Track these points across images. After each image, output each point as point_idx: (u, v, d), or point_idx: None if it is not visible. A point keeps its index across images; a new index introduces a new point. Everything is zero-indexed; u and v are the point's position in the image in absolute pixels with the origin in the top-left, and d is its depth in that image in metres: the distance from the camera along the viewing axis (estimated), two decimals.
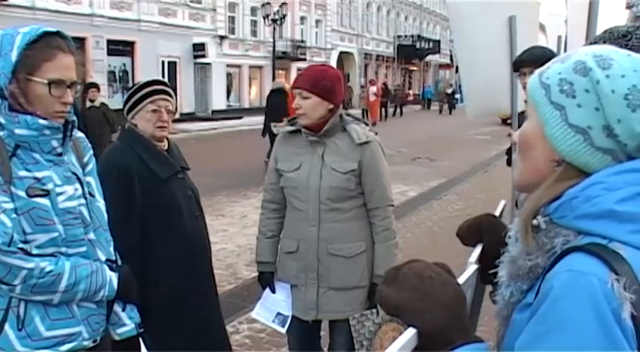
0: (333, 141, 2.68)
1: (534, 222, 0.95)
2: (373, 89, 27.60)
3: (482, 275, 1.25)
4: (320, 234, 2.67)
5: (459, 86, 47.67)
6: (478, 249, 1.29)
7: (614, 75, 0.91)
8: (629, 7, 17.30)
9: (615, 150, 0.92)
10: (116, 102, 22.30)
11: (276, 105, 11.36)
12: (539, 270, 0.95)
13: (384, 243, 2.72)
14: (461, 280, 1.07)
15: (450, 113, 36.22)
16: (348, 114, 2.77)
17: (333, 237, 2.67)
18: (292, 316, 2.84)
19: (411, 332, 0.95)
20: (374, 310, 2.67)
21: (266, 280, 2.90)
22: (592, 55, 0.95)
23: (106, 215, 1.95)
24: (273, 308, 2.89)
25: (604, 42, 0.98)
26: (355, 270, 2.70)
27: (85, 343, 1.80)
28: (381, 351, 2.59)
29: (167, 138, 2.68)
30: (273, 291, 2.89)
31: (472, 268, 1.20)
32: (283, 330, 2.91)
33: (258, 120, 19.01)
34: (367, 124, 2.82)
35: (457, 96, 38.04)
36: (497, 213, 1.47)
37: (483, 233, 1.32)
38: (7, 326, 1.67)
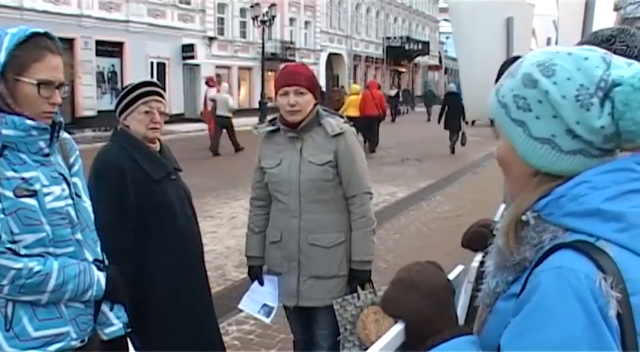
0: (310, 135, 2.80)
1: (523, 217, 0.97)
2: (212, 92, 16.27)
3: None
4: (301, 224, 2.79)
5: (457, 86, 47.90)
6: (480, 255, 1.32)
7: (560, 80, 0.93)
8: (616, 9, 17.41)
9: (584, 148, 0.94)
10: (105, 103, 22.34)
11: (455, 104, 14.73)
12: (526, 263, 0.97)
13: (361, 230, 2.82)
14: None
15: (393, 121, 28.62)
16: (324, 109, 2.90)
17: (313, 227, 2.78)
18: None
19: (397, 327, 0.98)
20: (355, 294, 2.76)
21: (255, 273, 3.02)
22: (535, 64, 0.97)
23: (92, 215, 1.95)
24: (259, 299, 3.01)
25: (590, 45, 1.01)
26: (334, 260, 2.80)
27: (73, 343, 1.80)
28: (364, 333, 2.65)
29: (159, 140, 2.70)
30: (262, 284, 3.00)
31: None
32: (267, 320, 3.06)
33: (248, 121, 19.03)
34: (342, 117, 2.93)
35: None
36: (497, 218, 1.50)
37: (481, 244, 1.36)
38: None
